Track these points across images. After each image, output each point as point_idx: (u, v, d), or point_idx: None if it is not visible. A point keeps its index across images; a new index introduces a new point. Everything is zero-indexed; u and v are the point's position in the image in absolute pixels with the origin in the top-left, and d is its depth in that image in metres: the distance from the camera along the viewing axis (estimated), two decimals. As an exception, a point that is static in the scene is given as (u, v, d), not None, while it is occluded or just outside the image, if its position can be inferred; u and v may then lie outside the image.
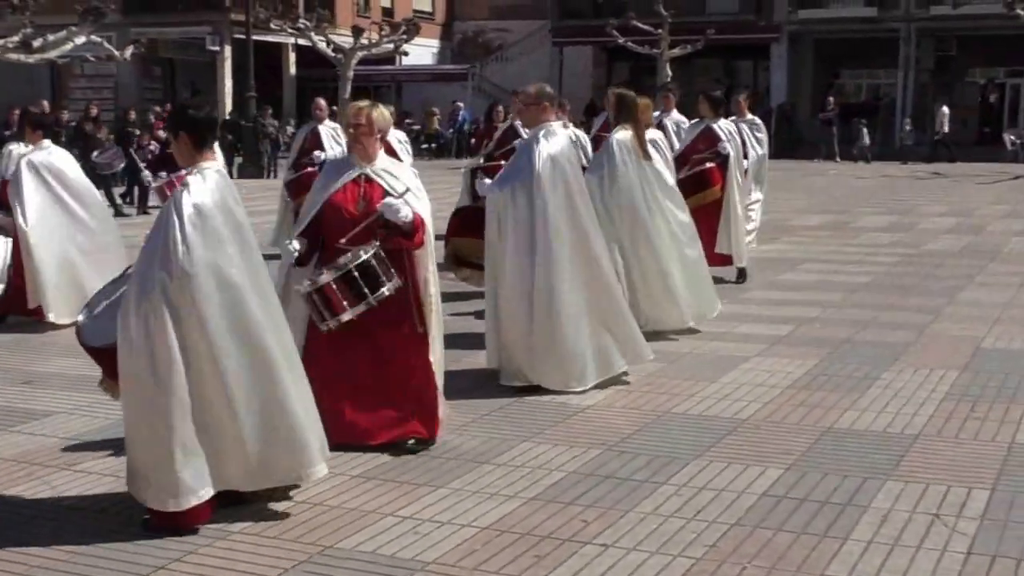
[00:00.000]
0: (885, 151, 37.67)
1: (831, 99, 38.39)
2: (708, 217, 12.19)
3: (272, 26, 34.90)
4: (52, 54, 24.62)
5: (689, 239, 9.80)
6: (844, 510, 5.51)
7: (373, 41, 34.47)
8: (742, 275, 12.60)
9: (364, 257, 6.17)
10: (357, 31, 33.66)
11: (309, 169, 13.25)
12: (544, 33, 46.07)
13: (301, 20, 34.28)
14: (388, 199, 6.29)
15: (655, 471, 6.15)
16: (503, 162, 12.25)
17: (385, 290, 6.21)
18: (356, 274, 6.16)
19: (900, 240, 16.60)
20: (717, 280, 10.90)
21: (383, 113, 6.56)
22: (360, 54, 33.38)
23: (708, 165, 12.30)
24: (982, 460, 6.29)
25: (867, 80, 44.29)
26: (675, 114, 13.99)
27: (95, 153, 19.11)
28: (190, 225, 5.19)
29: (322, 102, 14.37)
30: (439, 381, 6.64)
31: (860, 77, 44.40)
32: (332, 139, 13.88)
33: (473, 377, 8.19)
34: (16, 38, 23.58)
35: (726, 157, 12.34)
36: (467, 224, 10.52)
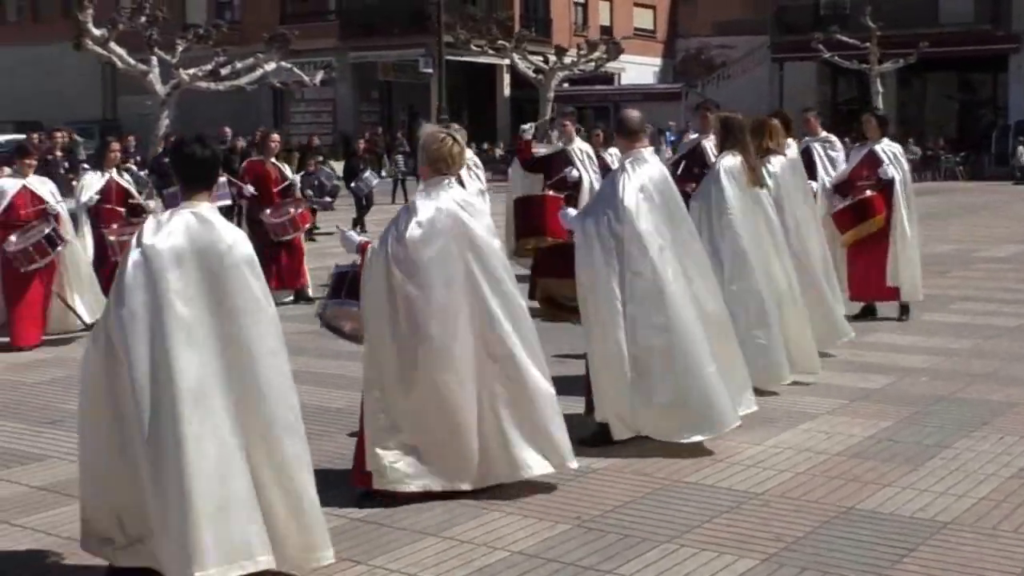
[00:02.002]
0: None
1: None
2: (872, 249, 11.31)
3: (473, 47, 34.92)
4: (242, 81, 25.24)
5: (805, 282, 8.92)
6: (792, 620, 4.67)
7: (573, 61, 33.99)
8: (905, 311, 11.55)
9: None
10: (560, 51, 33.30)
11: (549, 194, 12.02)
12: (765, 49, 44.73)
13: (500, 40, 34.11)
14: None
15: (609, 556, 5.42)
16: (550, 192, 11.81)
17: None
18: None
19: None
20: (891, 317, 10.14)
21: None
22: (560, 74, 33.00)
23: (869, 193, 11.31)
24: (1008, 560, 5.29)
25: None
26: (823, 135, 12.96)
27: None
28: (133, 269, 4.89)
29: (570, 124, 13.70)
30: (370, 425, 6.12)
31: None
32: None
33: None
34: (208, 67, 24.27)
35: (890, 182, 11.31)
36: (555, 261, 9.82)
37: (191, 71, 24.66)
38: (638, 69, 45.71)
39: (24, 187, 11.09)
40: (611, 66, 41.21)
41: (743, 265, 8.34)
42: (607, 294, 7.00)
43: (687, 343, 7.01)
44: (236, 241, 5.05)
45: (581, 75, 34.17)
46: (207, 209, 5.10)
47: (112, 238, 11.18)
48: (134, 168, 17.79)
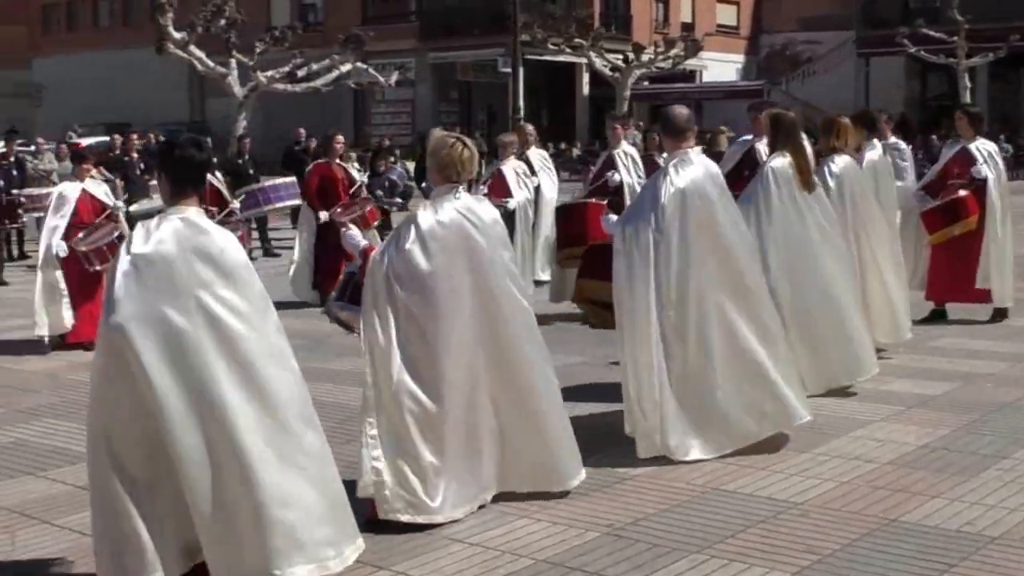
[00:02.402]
0: None
1: None
2: (960, 250, 10.98)
3: (549, 46, 34.77)
4: (318, 83, 25.38)
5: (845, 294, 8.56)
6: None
7: (651, 59, 33.69)
8: (999, 315, 11.17)
9: None
10: (638, 48, 33.03)
11: (591, 201, 11.57)
12: (850, 45, 44.00)
13: (576, 39, 33.90)
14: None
15: (636, 566, 5.28)
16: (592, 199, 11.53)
17: None
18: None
19: None
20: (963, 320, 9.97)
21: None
22: (637, 72, 32.74)
23: (962, 193, 10.99)
24: (1053, 577, 5.06)
25: None
26: (892, 140, 12.63)
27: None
28: (123, 279, 4.75)
29: (619, 127, 13.52)
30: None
31: None
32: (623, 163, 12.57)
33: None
34: (286, 69, 24.46)
35: (983, 182, 10.99)
36: (597, 263, 9.66)
37: (268, 73, 24.84)
38: (720, 66, 45.25)
39: (83, 191, 11.33)
40: (692, 63, 40.80)
41: (787, 271, 8.07)
42: (641, 303, 6.77)
43: (713, 360, 6.81)
44: (227, 245, 4.93)
45: (659, 73, 33.81)
46: (195, 214, 4.97)
47: (81, 248, 10.86)
48: (104, 171, 17.90)
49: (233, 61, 24.83)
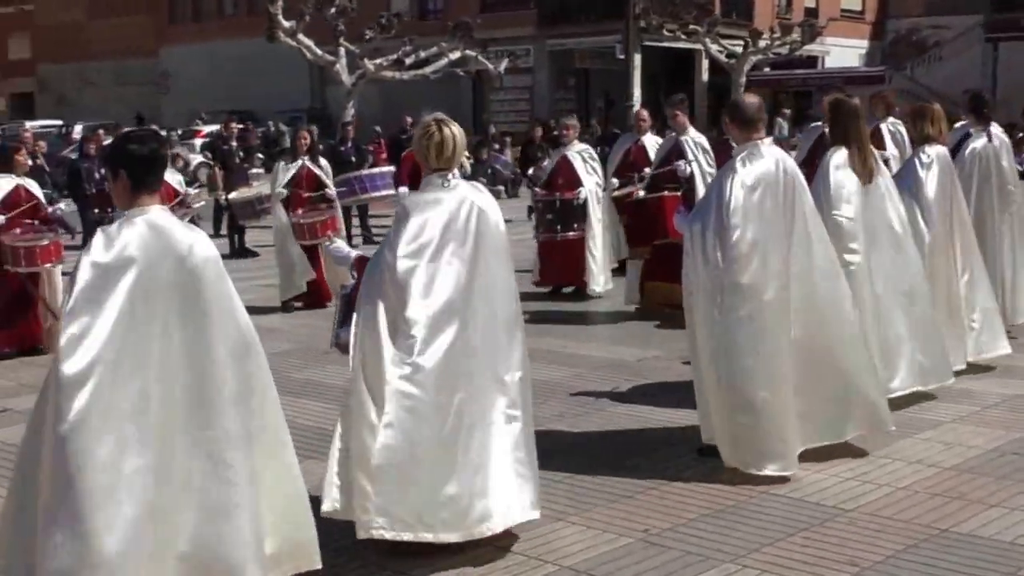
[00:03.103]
0: None
1: None
2: None
3: (664, 32, 34.32)
4: (427, 70, 25.44)
5: (920, 292, 8.07)
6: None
7: (767, 45, 33.03)
8: None
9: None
10: (755, 34, 32.41)
11: (665, 194, 11.07)
12: (978, 29, 42.63)
13: (691, 25, 33.37)
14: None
15: (663, 575, 5.09)
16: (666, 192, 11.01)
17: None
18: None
19: None
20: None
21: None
22: (753, 59, 32.13)
23: None
24: (1105, 597, 4.75)
25: None
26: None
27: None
28: (82, 288, 4.36)
29: (645, 112, 13.23)
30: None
31: None
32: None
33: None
34: (394, 56, 24.58)
35: None
36: (664, 264, 9.35)
37: (377, 61, 24.98)
38: (843, 52, 44.13)
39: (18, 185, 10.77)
40: (814, 49, 39.91)
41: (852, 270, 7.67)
42: (707, 306, 6.45)
43: (773, 366, 6.41)
44: (194, 243, 4.57)
45: (780, 59, 33.05)
46: (158, 213, 4.59)
47: (13, 243, 10.26)
48: (44, 165, 17.99)
49: (342, 49, 25.00)
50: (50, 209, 10.89)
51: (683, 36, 34.05)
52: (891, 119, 12.22)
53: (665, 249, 10.11)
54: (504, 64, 28.73)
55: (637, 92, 39.85)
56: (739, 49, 33.35)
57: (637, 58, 39.70)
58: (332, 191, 12.92)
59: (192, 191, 12.26)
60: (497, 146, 21.91)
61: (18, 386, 9.37)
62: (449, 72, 28.39)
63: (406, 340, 5.17)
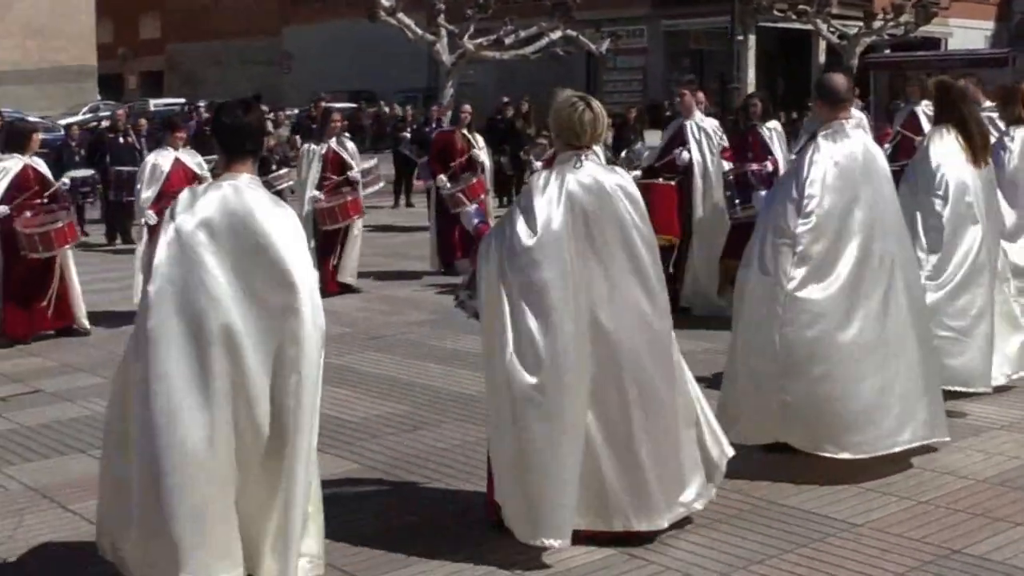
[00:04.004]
0: None
1: None
2: None
3: (775, 12, 33.47)
4: (527, 50, 25.18)
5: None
6: None
7: (880, 26, 31.94)
8: None
9: None
10: (868, 15, 31.38)
11: (658, 181, 10.27)
12: (1114, 9, 40.79)
13: (802, 5, 32.41)
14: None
15: (634, 591, 4.77)
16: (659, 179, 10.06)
17: None
18: None
19: None
20: None
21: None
22: (866, 40, 31.12)
23: None
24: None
25: None
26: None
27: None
28: (165, 248, 4.53)
29: (756, 100, 12.22)
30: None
31: None
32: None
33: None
34: (493, 36, 24.39)
35: None
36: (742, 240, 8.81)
37: (477, 40, 24.80)
38: (967, 34, 42.55)
39: (176, 160, 11.06)
40: (937, 30, 38.57)
41: (942, 262, 7.22)
42: (767, 293, 6.04)
43: (842, 366, 6.00)
44: (271, 214, 4.60)
45: (899, 40, 31.90)
46: (247, 181, 4.67)
47: (27, 230, 10.17)
48: (135, 143, 18.15)
49: (443, 29, 24.87)
50: (57, 184, 10.79)
51: (793, 16, 33.05)
52: (925, 102, 11.58)
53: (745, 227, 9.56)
54: (606, 44, 28.24)
55: (751, 74, 39.04)
56: (853, 31, 32.27)
57: (751, 39, 38.86)
58: (356, 174, 12.67)
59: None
60: (633, 136, 21.41)
61: (60, 365, 9.41)
62: (559, 52, 28.02)
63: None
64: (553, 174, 5.14)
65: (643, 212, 5.24)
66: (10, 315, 10.18)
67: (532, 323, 4.90)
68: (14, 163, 10.25)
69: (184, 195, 4.68)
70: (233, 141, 4.75)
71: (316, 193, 12.16)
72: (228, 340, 4.43)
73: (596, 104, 5.25)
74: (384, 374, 8.75)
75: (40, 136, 11.18)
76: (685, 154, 10.16)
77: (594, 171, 5.18)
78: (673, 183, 10.01)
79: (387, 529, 5.50)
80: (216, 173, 5.15)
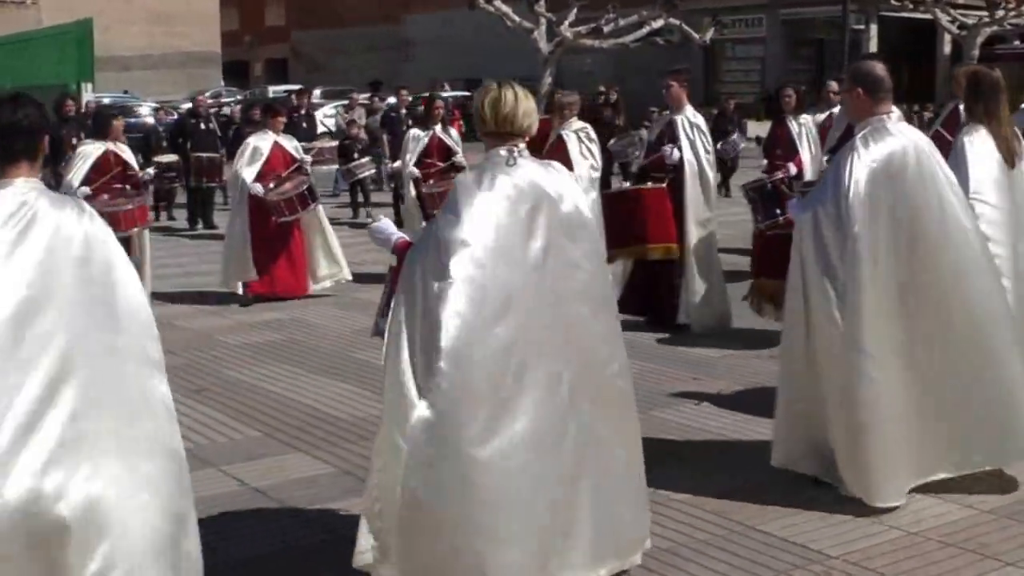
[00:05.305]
0: None
1: None
2: None
3: (892, 2, 32.34)
4: (627, 39, 24.74)
5: None
6: None
7: (1002, 16, 30.58)
8: None
9: None
10: (991, 4, 30.08)
11: (648, 186, 9.69)
12: None
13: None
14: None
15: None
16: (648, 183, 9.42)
17: None
18: None
19: None
20: None
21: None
22: (987, 31, 29.88)
23: None
24: None
25: None
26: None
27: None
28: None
29: (790, 91, 11.95)
30: None
31: None
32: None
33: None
34: (592, 24, 24.05)
35: None
36: (775, 257, 8.22)
37: (576, 28, 24.42)
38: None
39: (276, 143, 11.46)
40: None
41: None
42: (823, 305, 5.55)
43: (877, 386, 5.50)
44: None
45: (1018, 30, 30.51)
46: (22, 185, 3.84)
47: (272, 198, 11.00)
48: (216, 129, 18.20)
49: (541, 17, 24.56)
50: (140, 174, 11.01)
51: (911, 5, 31.86)
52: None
53: (776, 240, 8.93)
54: (710, 34, 27.53)
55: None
56: (973, 20, 30.99)
57: (873, 28, 37.74)
58: (462, 159, 12.45)
59: (308, 158, 12.07)
60: (730, 126, 20.78)
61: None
62: (658, 42, 27.48)
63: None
64: (485, 176, 4.50)
65: (583, 219, 4.65)
66: None
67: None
68: (94, 148, 10.65)
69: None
70: (9, 142, 3.90)
71: (414, 169, 11.99)
72: None
73: (522, 91, 4.54)
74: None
75: (122, 122, 11.54)
76: (676, 152, 9.40)
77: (526, 170, 4.53)
78: (664, 184, 9.38)
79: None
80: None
